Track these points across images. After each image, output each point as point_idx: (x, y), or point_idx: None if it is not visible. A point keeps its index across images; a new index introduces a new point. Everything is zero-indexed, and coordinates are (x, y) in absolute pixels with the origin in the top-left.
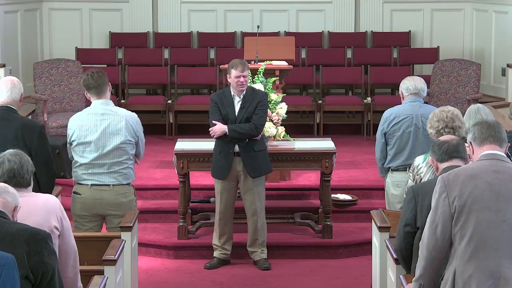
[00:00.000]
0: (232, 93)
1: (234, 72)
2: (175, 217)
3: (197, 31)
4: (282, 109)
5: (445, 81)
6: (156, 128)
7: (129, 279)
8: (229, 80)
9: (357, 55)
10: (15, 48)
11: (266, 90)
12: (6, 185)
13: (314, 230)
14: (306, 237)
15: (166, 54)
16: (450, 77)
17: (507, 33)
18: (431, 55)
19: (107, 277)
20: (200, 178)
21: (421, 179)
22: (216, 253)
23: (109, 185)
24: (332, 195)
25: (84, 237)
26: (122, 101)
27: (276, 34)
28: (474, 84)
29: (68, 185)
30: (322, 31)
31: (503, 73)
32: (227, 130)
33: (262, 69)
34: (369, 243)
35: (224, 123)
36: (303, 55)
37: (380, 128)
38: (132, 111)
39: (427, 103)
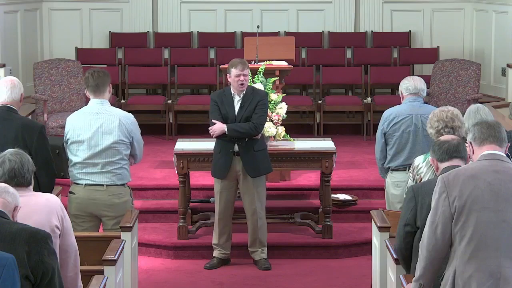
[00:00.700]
0: (232, 92)
1: (234, 71)
2: (175, 217)
3: (197, 31)
4: (282, 109)
5: (445, 81)
6: (156, 128)
7: (129, 279)
8: (229, 79)
9: (357, 55)
10: (15, 48)
11: (266, 90)
12: (6, 185)
13: (314, 230)
14: (306, 237)
15: (166, 54)
16: (450, 77)
17: (507, 33)
18: (431, 55)
19: (107, 277)
20: (200, 178)
21: (421, 179)
22: (216, 253)
23: (102, 185)
24: (332, 195)
25: (84, 237)
26: (122, 101)
27: (276, 34)
28: (474, 84)
29: (68, 185)
30: (322, 31)
31: (503, 73)
32: (226, 129)
33: (262, 69)
34: (369, 243)
35: (224, 122)
36: (303, 55)
37: (380, 128)
38: (132, 111)
39: (427, 103)
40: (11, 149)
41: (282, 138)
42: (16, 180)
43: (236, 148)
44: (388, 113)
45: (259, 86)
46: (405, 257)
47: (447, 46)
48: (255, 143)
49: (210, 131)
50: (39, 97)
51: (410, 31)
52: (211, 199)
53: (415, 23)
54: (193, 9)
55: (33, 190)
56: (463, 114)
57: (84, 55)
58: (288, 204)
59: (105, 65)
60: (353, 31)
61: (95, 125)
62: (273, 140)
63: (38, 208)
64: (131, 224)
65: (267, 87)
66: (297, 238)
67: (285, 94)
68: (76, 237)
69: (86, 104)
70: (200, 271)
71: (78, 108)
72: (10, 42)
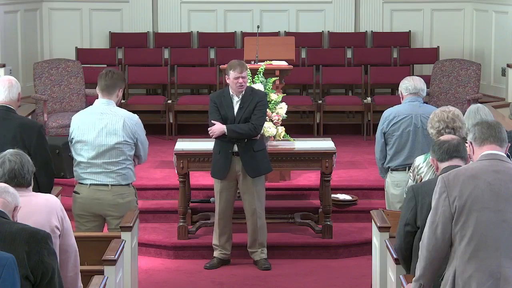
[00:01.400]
0: (231, 93)
1: (232, 74)
2: (175, 217)
3: (197, 31)
4: (282, 109)
5: (445, 81)
6: (156, 128)
7: (129, 279)
8: (227, 81)
9: (357, 55)
10: (15, 48)
11: (266, 90)
12: (6, 185)
13: (314, 230)
14: (306, 237)
15: (166, 54)
16: (450, 77)
17: (507, 33)
18: (431, 55)
19: (107, 277)
20: (200, 178)
21: (421, 179)
22: (216, 253)
23: (107, 185)
24: (332, 195)
25: (84, 237)
26: (122, 101)
27: (276, 34)
28: (474, 84)
29: (68, 185)
30: (322, 31)
31: (503, 73)
32: (226, 130)
33: (262, 69)
34: (369, 243)
35: (223, 123)
36: (303, 55)
37: (379, 128)
38: (132, 111)
39: (426, 103)
40: (11, 150)
41: (282, 138)
42: (16, 180)
43: (236, 148)
44: (388, 113)
45: (259, 86)
46: (405, 257)
47: (447, 46)
48: (254, 143)
49: (209, 132)
50: (39, 97)
51: (410, 31)
52: (211, 199)
53: (415, 23)
54: (193, 9)
55: (32, 190)
56: (463, 114)
57: (84, 55)
58: (288, 204)
59: (105, 65)
60: (353, 31)
61: (100, 125)
62: (273, 140)
63: (38, 209)
64: (131, 224)
65: (267, 87)
66: (297, 238)
67: (285, 94)
68: (76, 237)
69: (86, 103)
70: (200, 271)
71: (78, 108)
72: (10, 42)
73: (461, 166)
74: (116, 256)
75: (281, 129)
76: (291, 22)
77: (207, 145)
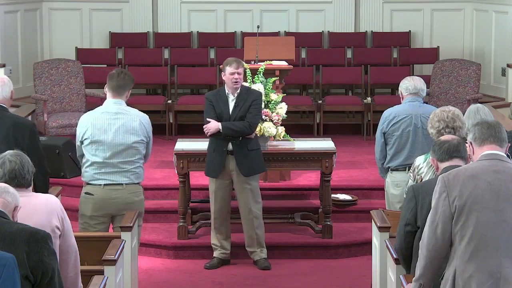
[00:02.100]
0: (227, 91)
1: (228, 69)
2: (175, 217)
3: (197, 31)
4: (282, 109)
5: (445, 81)
6: (156, 128)
7: (129, 279)
8: (223, 78)
9: (357, 55)
10: (15, 48)
11: (266, 90)
12: (7, 185)
13: (314, 230)
14: (306, 237)
15: (166, 54)
16: (450, 77)
17: (507, 33)
18: (431, 55)
19: (107, 277)
20: (200, 178)
21: (421, 179)
22: (216, 253)
23: (122, 184)
24: (332, 195)
25: (84, 237)
26: None
27: (276, 34)
28: (474, 84)
29: (68, 185)
30: (322, 31)
31: (503, 73)
32: (221, 127)
33: (262, 69)
34: (369, 243)
35: (219, 121)
36: (303, 55)
37: (379, 128)
38: None
39: (426, 103)
40: (11, 150)
41: (282, 138)
42: (17, 181)
43: (230, 146)
44: (388, 113)
45: (259, 86)
46: (406, 257)
47: (447, 46)
48: (249, 142)
49: (204, 129)
50: (39, 97)
51: (410, 31)
52: None
53: (415, 23)
54: (193, 9)
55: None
56: (463, 114)
57: (84, 55)
58: (288, 204)
59: (105, 65)
60: (353, 31)
61: (116, 125)
62: (273, 140)
63: (38, 209)
64: (131, 224)
65: (267, 87)
66: (297, 238)
67: (285, 94)
68: (76, 237)
69: (86, 103)
70: (200, 271)
71: (78, 108)
72: (10, 42)
73: (461, 166)
74: (116, 256)
75: (281, 129)
76: (291, 22)
77: (207, 145)
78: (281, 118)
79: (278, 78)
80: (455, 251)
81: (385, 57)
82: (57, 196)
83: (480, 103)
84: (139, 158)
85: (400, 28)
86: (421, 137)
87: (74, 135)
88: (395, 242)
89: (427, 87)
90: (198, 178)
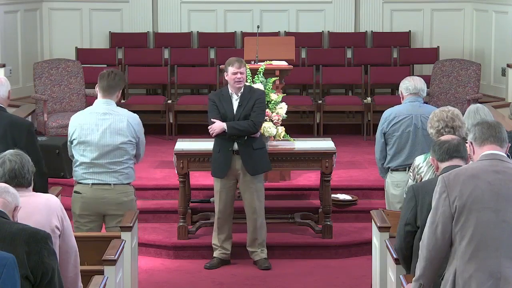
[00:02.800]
0: (230, 91)
1: (231, 69)
2: (175, 217)
3: (197, 31)
4: (282, 109)
5: (445, 81)
6: (156, 128)
7: (129, 279)
8: (226, 78)
9: (357, 55)
10: (15, 48)
11: (266, 90)
12: (7, 185)
13: (314, 230)
14: (306, 237)
15: (166, 54)
16: (450, 77)
17: (507, 33)
18: (431, 55)
19: (107, 277)
20: (200, 178)
21: (421, 179)
22: (216, 253)
23: (110, 184)
24: (332, 195)
25: (84, 237)
26: (122, 101)
27: (276, 34)
28: (474, 84)
29: (68, 185)
30: (322, 31)
31: (503, 73)
32: (226, 128)
33: (262, 69)
34: (369, 243)
35: (223, 121)
36: (303, 55)
37: (379, 128)
38: (132, 111)
39: (427, 103)
40: (11, 150)
41: (282, 138)
42: (17, 180)
43: (236, 146)
44: (388, 113)
45: (259, 86)
46: (406, 257)
47: (447, 46)
48: (254, 141)
49: (209, 130)
50: (39, 97)
51: (410, 31)
52: (211, 199)
53: (415, 23)
54: (193, 9)
55: None
56: (463, 114)
57: (84, 55)
58: (288, 204)
59: (105, 65)
60: (353, 31)
61: (103, 126)
62: (273, 140)
63: (38, 209)
64: (131, 224)
65: (267, 87)
66: (297, 238)
67: (285, 94)
68: (76, 237)
69: (86, 103)
70: (200, 271)
71: (78, 108)
72: (10, 42)
73: (461, 166)
74: (116, 256)
75: (281, 129)
76: (291, 22)
77: (207, 145)
78: (281, 118)
79: (278, 78)
80: (455, 251)
81: (385, 57)
82: (57, 196)
83: (480, 103)
84: (128, 159)
85: (400, 28)
86: (421, 137)
87: None
88: (395, 242)
89: (427, 87)
90: (198, 178)
